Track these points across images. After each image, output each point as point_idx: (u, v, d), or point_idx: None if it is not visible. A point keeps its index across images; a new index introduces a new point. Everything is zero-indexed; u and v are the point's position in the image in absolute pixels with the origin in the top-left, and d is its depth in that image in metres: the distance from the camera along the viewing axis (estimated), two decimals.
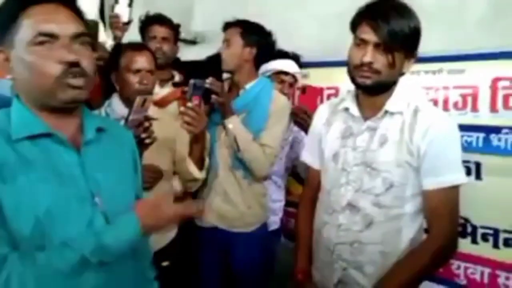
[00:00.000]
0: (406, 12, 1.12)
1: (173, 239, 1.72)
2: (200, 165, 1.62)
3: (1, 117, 0.86)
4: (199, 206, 0.98)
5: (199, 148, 1.60)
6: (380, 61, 1.13)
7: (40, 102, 0.86)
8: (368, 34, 1.13)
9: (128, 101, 1.52)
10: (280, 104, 1.74)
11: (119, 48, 1.65)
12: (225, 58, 1.76)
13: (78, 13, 0.88)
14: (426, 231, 1.21)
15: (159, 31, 2.00)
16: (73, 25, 0.85)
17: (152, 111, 1.59)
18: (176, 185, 0.88)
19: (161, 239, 1.64)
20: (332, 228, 1.26)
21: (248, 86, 1.77)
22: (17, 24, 0.81)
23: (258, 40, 1.74)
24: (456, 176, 1.14)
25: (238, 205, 1.77)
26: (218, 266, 1.85)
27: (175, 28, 2.10)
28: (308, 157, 1.44)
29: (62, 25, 0.83)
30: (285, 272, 1.54)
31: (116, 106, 1.60)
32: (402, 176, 1.16)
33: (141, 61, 1.57)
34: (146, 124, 1.35)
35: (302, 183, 1.72)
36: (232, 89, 1.82)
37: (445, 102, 1.72)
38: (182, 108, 1.51)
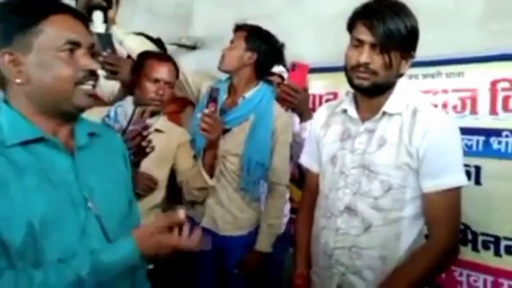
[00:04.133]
0: (403, 11, 1.10)
1: None
2: (211, 172, 1.63)
3: None
4: (198, 237, 0.94)
5: (212, 155, 1.60)
6: (376, 61, 1.11)
7: (50, 106, 0.87)
8: (364, 34, 1.11)
9: (140, 106, 1.55)
10: (284, 121, 1.75)
11: (144, 55, 1.69)
12: (225, 59, 1.77)
13: (86, 25, 0.93)
14: (427, 237, 1.18)
15: None
16: (89, 36, 0.92)
17: (160, 123, 1.66)
18: (181, 213, 0.87)
19: None
20: (330, 233, 1.24)
21: (247, 94, 1.77)
22: (37, 29, 0.83)
23: (260, 47, 1.74)
24: (456, 178, 1.12)
25: (231, 209, 1.78)
26: (212, 268, 1.85)
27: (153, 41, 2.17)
28: (306, 160, 1.43)
29: (84, 35, 0.89)
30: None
31: (128, 107, 1.62)
32: (401, 178, 1.14)
33: (162, 71, 1.62)
34: (145, 133, 1.36)
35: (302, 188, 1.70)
36: (230, 93, 1.82)
37: (444, 105, 1.71)
38: (199, 115, 1.54)
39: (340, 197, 1.22)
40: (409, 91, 1.22)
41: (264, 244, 1.78)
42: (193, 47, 2.78)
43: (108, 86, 1.86)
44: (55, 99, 0.86)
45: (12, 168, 0.80)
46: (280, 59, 1.86)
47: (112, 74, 1.74)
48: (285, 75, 1.99)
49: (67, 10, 0.88)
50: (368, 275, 1.18)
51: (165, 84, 1.62)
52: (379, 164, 1.15)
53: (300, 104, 1.68)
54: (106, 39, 1.75)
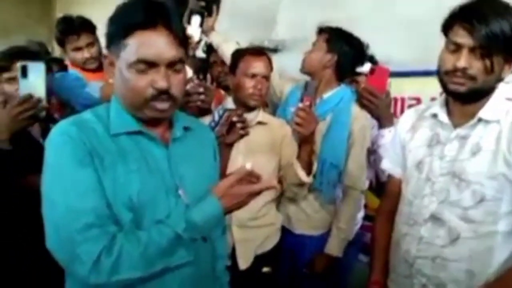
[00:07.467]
0: (507, 11, 1.02)
1: (275, 245, 1.73)
2: (308, 169, 1.57)
3: (102, 113, 0.96)
4: (272, 181, 1.02)
5: (308, 151, 1.55)
6: (475, 66, 1.04)
7: (129, 109, 0.95)
8: (463, 38, 1.05)
9: (241, 105, 1.61)
10: (361, 124, 1.70)
11: (239, 53, 1.71)
12: (305, 60, 1.79)
13: (179, 37, 0.91)
14: None
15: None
16: (171, 52, 0.89)
17: (261, 115, 1.68)
18: (249, 165, 0.93)
19: (265, 244, 1.69)
20: (412, 241, 1.20)
21: (325, 95, 1.77)
22: (124, 42, 0.88)
23: (341, 48, 1.72)
24: None
25: (305, 208, 1.79)
26: (286, 264, 1.86)
27: None
28: (388, 165, 1.39)
29: (161, 52, 0.88)
30: (358, 286, 1.49)
31: (228, 107, 1.67)
32: (496, 189, 1.06)
33: (258, 66, 1.63)
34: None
35: (379, 196, 1.66)
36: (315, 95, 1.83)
37: None
38: (293, 109, 1.50)
39: (426, 205, 1.17)
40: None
41: (333, 247, 1.76)
42: (275, 50, 2.83)
43: None
44: (131, 106, 0.93)
45: (118, 152, 0.90)
46: (363, 61, 1.80)
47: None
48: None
49: (158, 22, 0.87)
50: None
51: (262, 78, 1.63)
52: (472, 172, 1.09)
53: (378, 110, 1.63)
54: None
